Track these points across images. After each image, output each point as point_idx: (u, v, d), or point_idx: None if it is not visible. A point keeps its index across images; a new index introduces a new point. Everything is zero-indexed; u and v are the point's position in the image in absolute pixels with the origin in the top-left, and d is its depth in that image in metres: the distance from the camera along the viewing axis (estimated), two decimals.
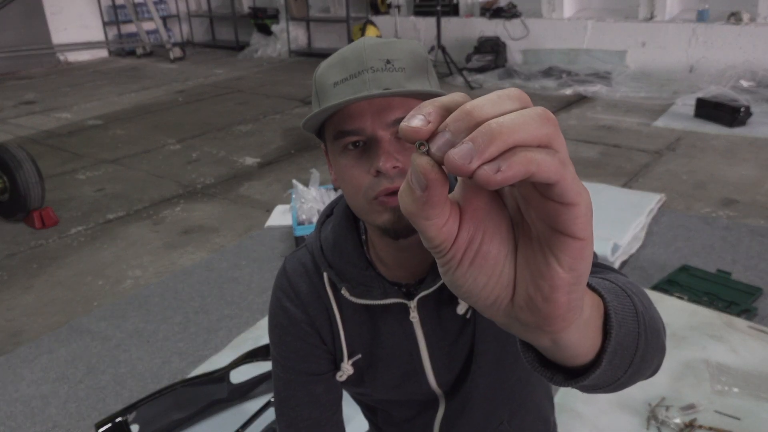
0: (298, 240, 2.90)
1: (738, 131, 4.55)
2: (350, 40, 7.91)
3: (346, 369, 0.96)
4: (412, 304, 0.90)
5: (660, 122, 4.90)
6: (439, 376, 0.96)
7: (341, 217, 0.93)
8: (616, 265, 2.71)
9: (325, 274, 0.94)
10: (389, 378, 0.96)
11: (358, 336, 0.95)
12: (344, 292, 0.91)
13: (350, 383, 0.99)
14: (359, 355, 0.96)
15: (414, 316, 0.91)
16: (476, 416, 0.98)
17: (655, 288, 2.55)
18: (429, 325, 0.92)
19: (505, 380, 0.98)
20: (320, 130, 0.86)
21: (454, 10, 7.57)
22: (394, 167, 0.77)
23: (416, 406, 1.01)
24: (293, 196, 3.21)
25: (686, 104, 5.17)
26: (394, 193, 0.79)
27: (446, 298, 0.92)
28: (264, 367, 2.11)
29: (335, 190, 3.32)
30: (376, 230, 0.86)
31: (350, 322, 0.95)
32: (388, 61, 0.78)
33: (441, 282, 0.89)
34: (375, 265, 0.92)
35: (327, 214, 0.99)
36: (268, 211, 3.64)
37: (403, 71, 0.78)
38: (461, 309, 0.91)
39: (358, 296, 0.90)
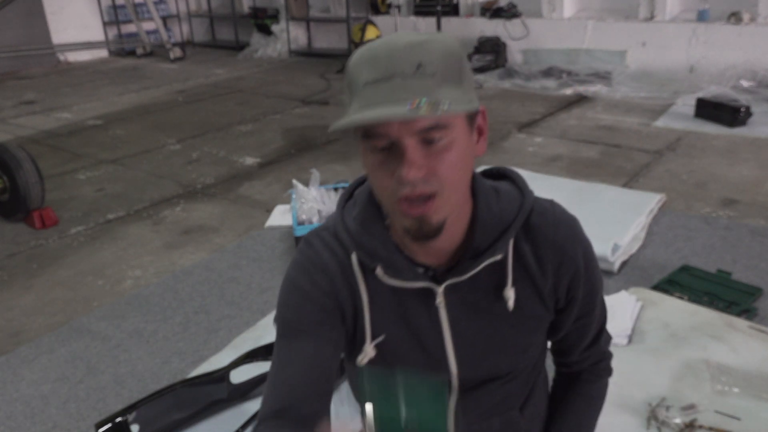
0: (298, 240, 2.90)
1: (738, 131, 4.55)
2: (350, 40, 7.91)
3: (368, 351, 0.95)
4: (440, 289, 0.91)
5: (660, 122, 4.90)
6: (461, 365, 0.96)
7: (366, 203, 0.93)
8: (617, 265, 2.71)
9: (353, 255, 0.93)
10: (411, 363, 0.95)
11: (383, 318, 0.94)
12: (378, 271, 0.91)
13: (379, 366, 0.97)
14: (383, 336, 0.95)
15: (440, 301, 0.92)
16: (489, 404, 1.00)
17: (655, 288, 2.55)
18: (455, 312, 0.93)
19: (523, 370, 1.00)
20: None
21: (454, 10, 7.57)
22: (416, 176, 0.78)
23: None
24: (293, 196, 3.20)
25: (686, 104, 5.17)
26: (414, 200, 0.80)
27: (482, 289, 0.92)
28: (264, 367, 2.11)
29: (335, 191, 3.31)
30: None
31: (376, 303, 0.94)
32: (419, 66, 0.76)
33: (473, 272, 0.90)
34: (401, 248, 0.92)
35: (346, 198, 0.99)
36: (268, 211, 3.64)
37: (434, 77, 0.76)
38: (510, 304, 0.92)
39: (390, 276, 0.91)
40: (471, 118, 0.84)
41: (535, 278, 0.94)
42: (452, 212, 0.85)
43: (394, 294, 0.93)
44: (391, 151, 0.80)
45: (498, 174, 1.00)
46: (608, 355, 1.12)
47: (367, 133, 0.80)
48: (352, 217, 0.94)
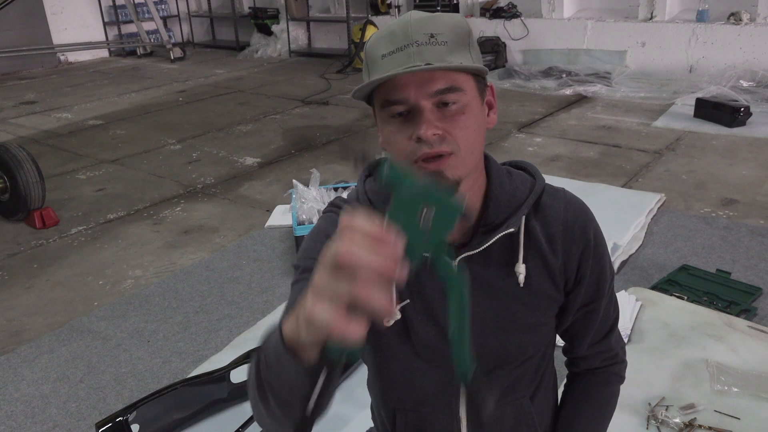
0: (299, 240, 2.91)
1: (738, 131, 4.56)
2: (350, 40, 7.91)
3: (394, 313, 0.97)
4: (454, 263, 0.93)
5: (660, 122, 4.91)
6: (471, 341, 0.97)
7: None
8: (616, 265, 2.72)
9: None
10: (426, 335, 0.97)
11: (403, 284, 0.97)
12: None
13: (397, 335, 0.99)
14: (408, 300, 0.97)
15: None
16: (501, 390, 1.00)
17: (655, 288, 2.55)
18: (470, 287, 0.95)
19: (532, 356, 1.01)
20: (369, 98, 0.92)
21: (454, 10, 7.57)
22: (434, 134, 0.84)
23: (441, 376, 1.00)
24: (293, 196, 3.21)
25: (686, 104, 5.17)
26: (433, 158, 0.85)
27: (494, 262, 0.95)
28: None
29: (335, 191, 3.32)
30: None
31: None
32: (431, 36, 0.83)
33: (486, 245, 0.94)
34: None
35: (367, 174, 1.04)
36: (268, 211, 3.64)
37: (446, 45, 0.84)
38: (521, 279, 0.95)
39: None
40: (481, 90, 0.90)
41: (546, 256, 0.96)
42: (467, 175, 0.90)
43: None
44: (409, 117, 0.85)
45: (513, 166, 1.06)
46: (620, 360, 1.13)
47: (386, 100, 0.86)
48: (373, 191, 1.00)
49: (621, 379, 1.14)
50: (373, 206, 0.98)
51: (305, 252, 0.98)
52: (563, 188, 1.01)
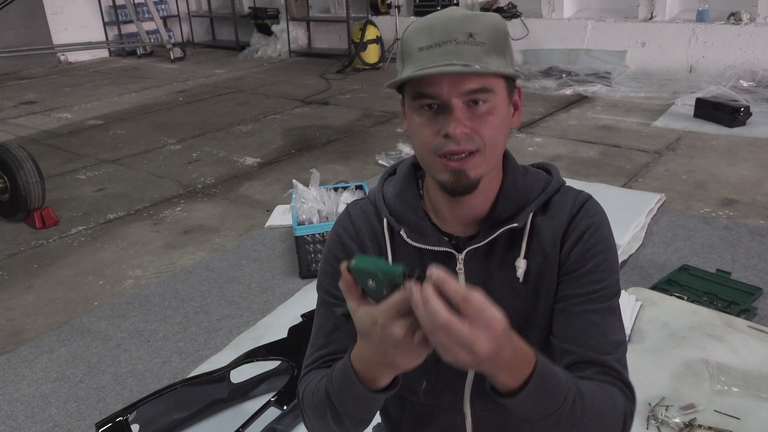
0: (299, 240, 2.90)
1: (738, 131, 4.55)
2: (350, 41, 7.91)
3: None
4: (460, 256, 0.98)
5: (660, 122, 4.91)
6: None
7: (404, 174, 1.04)
8: None
9: (385, 220, 1.03)
10: None
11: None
12: (402, 233, 1.01)
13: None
14: None
15: (460, 267, 0.98)
16: None
17: (655, 288, 2.55)
18: (473, 280, 0.99)
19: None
20: (401, 87, 0.95)
21: None
22: (462, 132, 0.87)
23: (448, 370, 0.98)
24: (293, 196, 3.21)
25: (686, 104, 5.17)
26: (457, 155, 0.88)
27: (498, 256, 0.98)
28: (264, 367, 2.12)
29: (335, 191, 3.32)
30: (436, 184, 0.95)
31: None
32: (470, 35, 0.85)
33: (491, 238, 0.97)
34: (430, 216, 1.02)
35: (390, 173, 1.09)
36: (268, 211, 3.64)
37: (483, 45, 0.86)
38: (519, 273, 0.97)
39: (414, 240, 1.00)
40: (510, 91, 0.93)
41: (549, 254, 0.97)
42: (488, 172, 0.93)
43: (418, 259, 1.00)
44: (439, 111, 0.88)
45: (538, 166, 1.07)
46: (626, 383, 0.98)
47: (418, 93, 0.88)
48: (390, 186, 1.05)
49: (625, 392, 0.97)
50: (385, 203, 1.03)
51: (321, 275, 1.07)
52: (583, 190, 1.03)
